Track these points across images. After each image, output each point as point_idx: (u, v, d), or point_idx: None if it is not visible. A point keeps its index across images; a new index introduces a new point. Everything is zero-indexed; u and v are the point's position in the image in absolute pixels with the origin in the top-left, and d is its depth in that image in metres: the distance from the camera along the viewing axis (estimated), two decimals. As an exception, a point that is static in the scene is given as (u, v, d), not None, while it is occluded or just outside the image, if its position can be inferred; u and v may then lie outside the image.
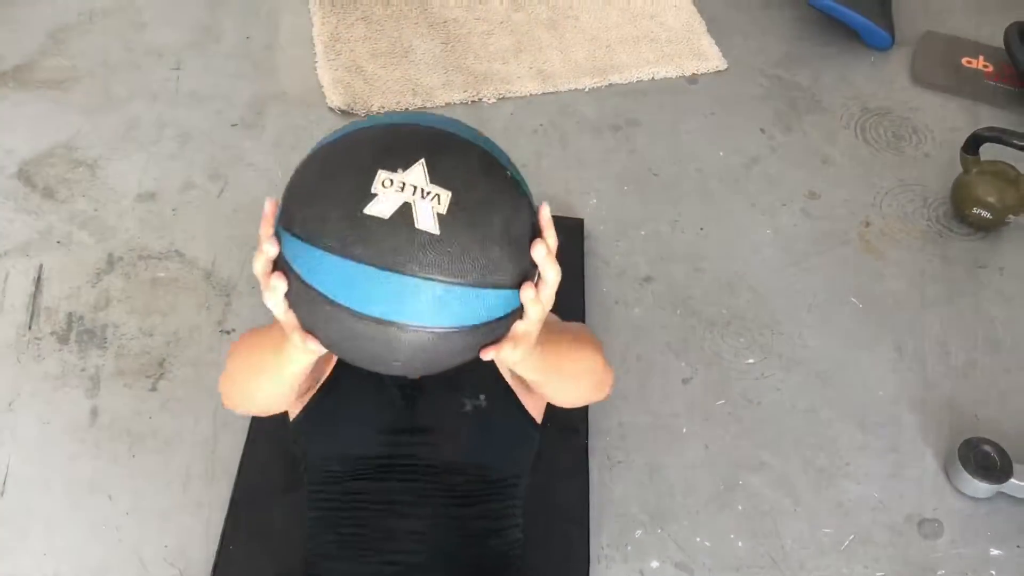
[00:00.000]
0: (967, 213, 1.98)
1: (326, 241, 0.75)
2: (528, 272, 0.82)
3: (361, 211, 0.74)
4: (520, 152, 2.06)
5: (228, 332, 1.76)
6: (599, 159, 2.13)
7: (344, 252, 0.74)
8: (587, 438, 1.61)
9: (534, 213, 0.84)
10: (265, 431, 1.54)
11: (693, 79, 2.33)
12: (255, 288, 1.82)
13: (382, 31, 2.37)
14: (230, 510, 1.48)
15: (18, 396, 1.66)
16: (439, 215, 0.74)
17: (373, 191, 0.74)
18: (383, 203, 0.74)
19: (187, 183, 2.01)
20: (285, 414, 1.26)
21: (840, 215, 2.05)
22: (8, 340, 1.73)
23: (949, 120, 2.25)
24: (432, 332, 0.78)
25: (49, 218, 1.92)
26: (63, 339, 1.74)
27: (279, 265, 0.80)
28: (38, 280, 1.82)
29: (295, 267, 0.78)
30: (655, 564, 1.52)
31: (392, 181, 0.74)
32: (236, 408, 1.17)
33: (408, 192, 0.74)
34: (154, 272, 1.85)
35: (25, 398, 1.66)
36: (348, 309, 0.76)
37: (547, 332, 0.90)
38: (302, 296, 0.79)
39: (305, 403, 1.24)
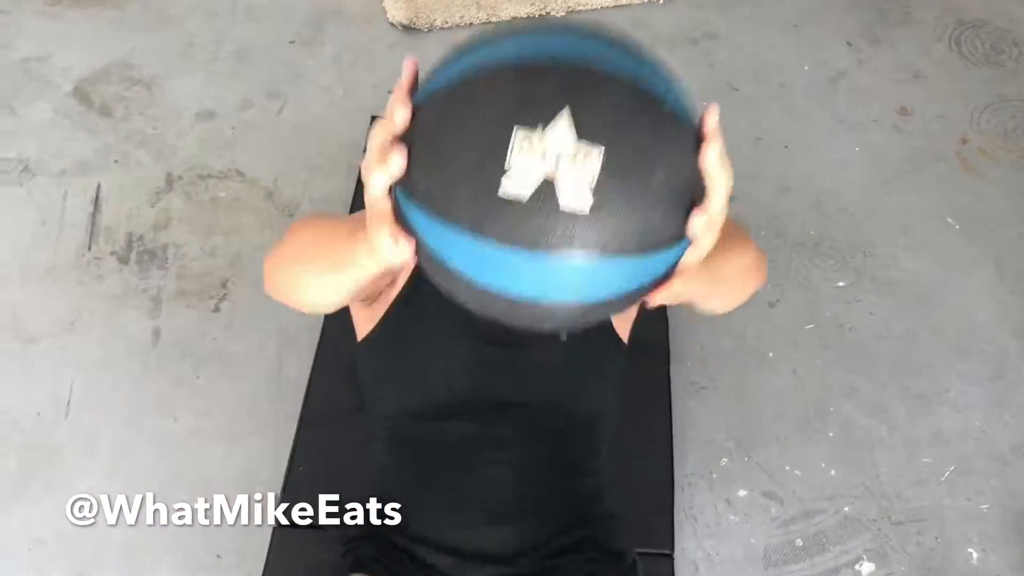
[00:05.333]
0: (1075, 128, 1.85)
1: (456, 217, 0.61)
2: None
3: (494, 189, 0.59)
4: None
5: (291, 252, 1.69)
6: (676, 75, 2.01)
7: (478, 232, 0.61)
8: (668, 362, 1.52)
9: (697, 138, 0.64)
10: (334, 351, 1.47)
11: (774, -10, 2.19)
12: (319, 209, 1.75)
13: (444, -56, 2.25)
14: (299, 429, 1.42)
15: (80, 316, 1.61)
16: (590, 183, 0.59)
17: (507, 165, 0.59)
18: (521, 178, 0.59)
19: (246, 101, 1.93)
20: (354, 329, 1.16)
21: (934, 132, 1.91)
22: (69, 260, 1.68)
23: (1052, 31, 2.10)
24: (585, 306, 0.65)
25: (106, 137, 1.86)
26: (123, 259, 1.68)
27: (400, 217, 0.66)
28: (96, 199, 1.76)
29: (424, 238, 0.64)
30: (742, 493, 1.44)
31: (531, 143, 0.58)
32: (276, 297, 0.96)
33: (551, 159, 0.58)
34: (215, 192, 1.78)
35: (86, 319, 1.61)
36: (486, 288, 0.64)
37: None
38: (431, 264, 0.66)
39: (374, 323, 1.11)
